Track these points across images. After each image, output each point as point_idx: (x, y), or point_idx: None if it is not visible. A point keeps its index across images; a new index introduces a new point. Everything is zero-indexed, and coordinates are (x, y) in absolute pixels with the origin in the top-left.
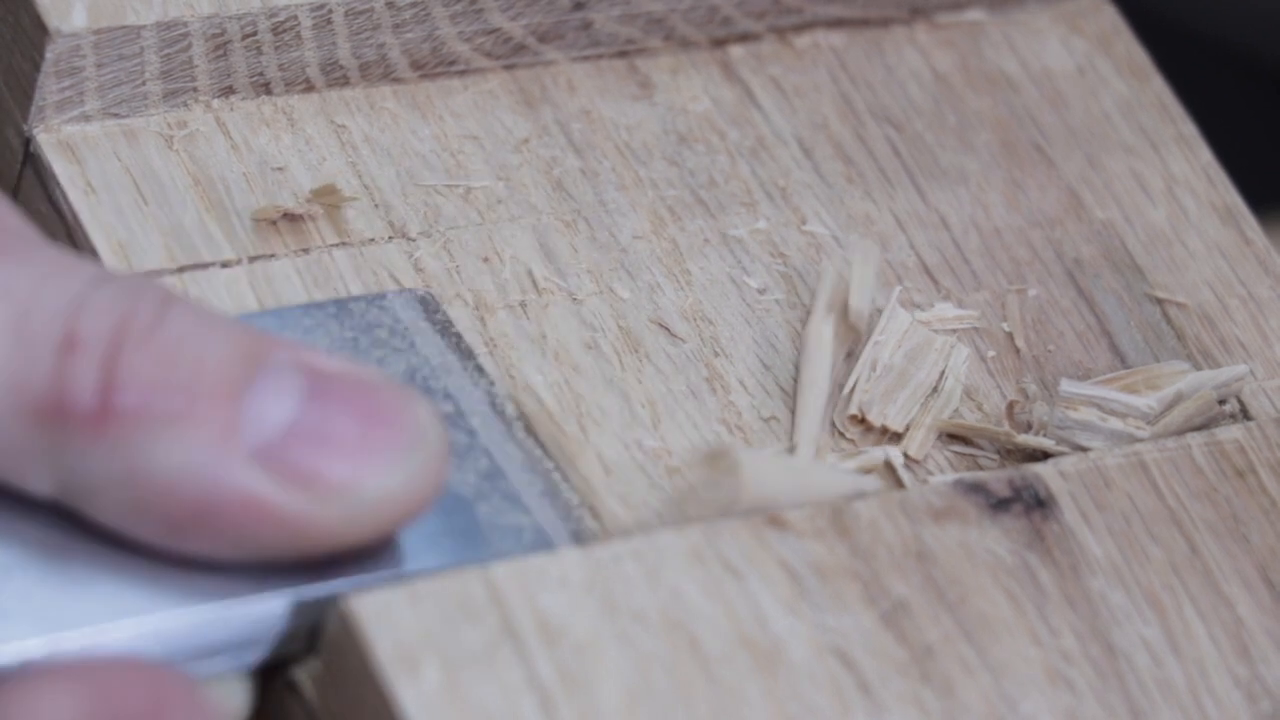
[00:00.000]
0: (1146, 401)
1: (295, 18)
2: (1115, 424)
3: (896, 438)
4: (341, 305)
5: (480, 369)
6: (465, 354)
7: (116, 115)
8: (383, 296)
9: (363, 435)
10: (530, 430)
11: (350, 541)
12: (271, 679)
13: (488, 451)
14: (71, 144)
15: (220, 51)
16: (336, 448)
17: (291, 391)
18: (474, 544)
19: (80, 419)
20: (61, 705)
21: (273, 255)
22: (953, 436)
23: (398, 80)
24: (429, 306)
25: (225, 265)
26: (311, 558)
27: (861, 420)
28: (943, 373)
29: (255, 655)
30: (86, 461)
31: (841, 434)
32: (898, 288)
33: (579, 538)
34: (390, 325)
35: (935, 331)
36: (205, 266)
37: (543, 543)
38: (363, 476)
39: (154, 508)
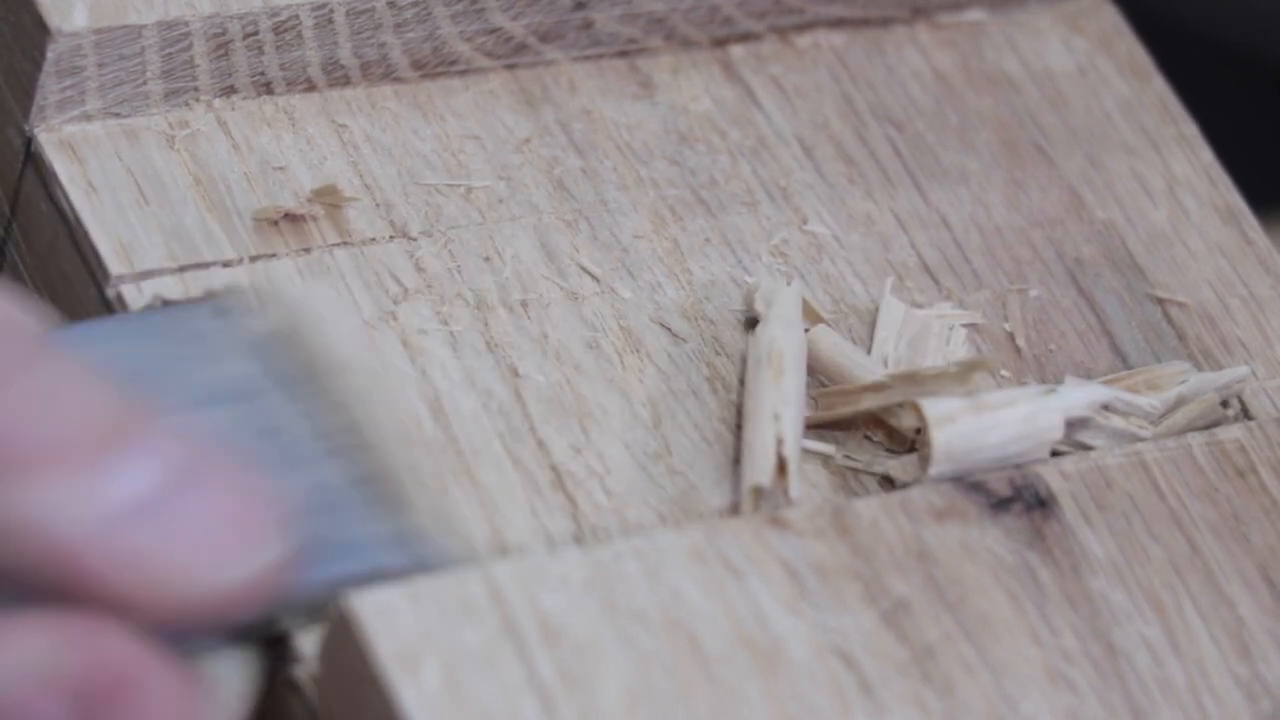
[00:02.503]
0: (1150, 401)
1: (297, 17)
2: (1118, 423)
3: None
4: (150, 318)
5: (307, 380)
6: (282, 364)
7: (118, 115)
8: (200, 305)
9: (211, 530)
10: (366, 450)
11: (181, 624)
12: (281, 662)
13: (308, 468)
14: (72, 143)
15: (221, 51)
16: (183, 535)
17: (150, 470)
18: (309, 562)
19: None
20: (32, 647)
21: (274, 255)
22: None
23: (399, 80)
24: (247, 312)
25: (226, 265)
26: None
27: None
28: (945, 361)
29: None
30: None
31: (868, 438)
32: (890, 278)
33: (417, 558)
34: (204, 335)
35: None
36: (206, 266)
37: (373, 561)
38: (203, 569)
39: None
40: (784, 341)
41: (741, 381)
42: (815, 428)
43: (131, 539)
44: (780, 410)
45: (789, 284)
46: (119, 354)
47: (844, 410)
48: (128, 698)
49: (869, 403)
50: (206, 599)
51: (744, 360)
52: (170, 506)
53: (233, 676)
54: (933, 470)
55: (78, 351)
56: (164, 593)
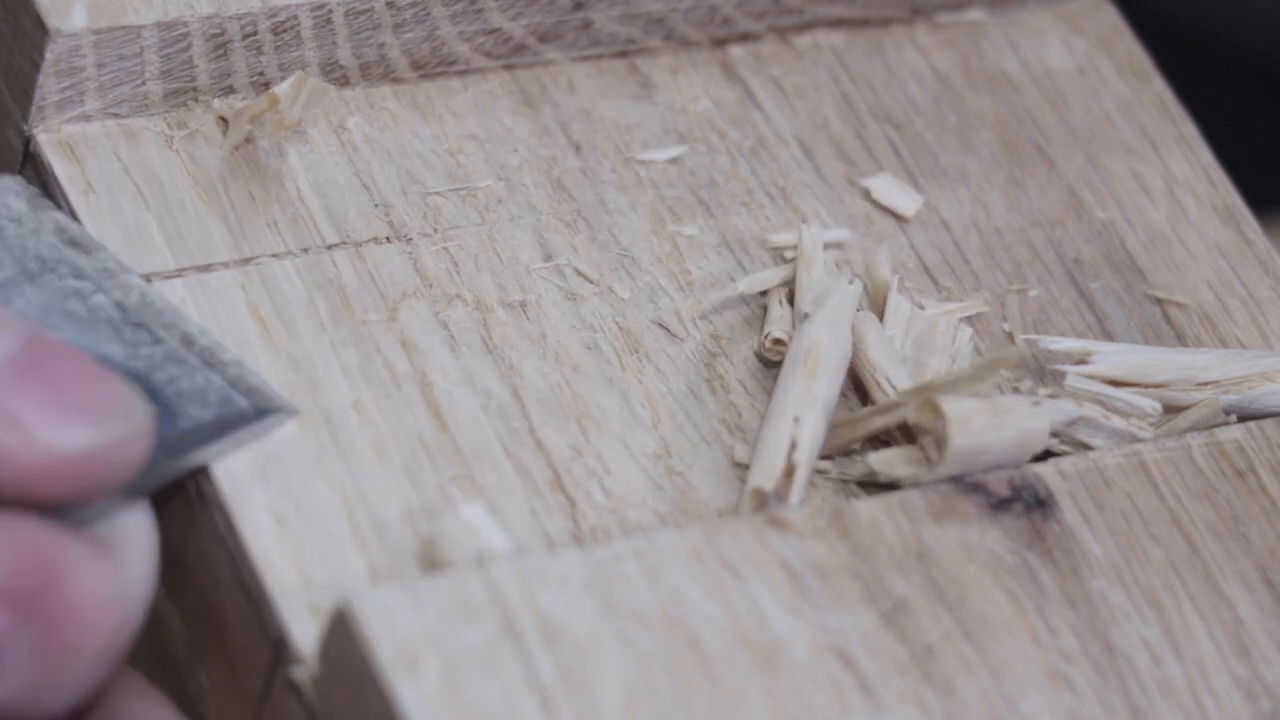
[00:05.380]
0: (1150, 402)
1: (295, 17)
2: (1118, 423)
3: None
4: None
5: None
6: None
7: (116, 115)
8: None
9: (67, 393)
10: (176, 314)
11: (43, 491)
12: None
13: (147, 328)
14: (71, 144)
15: (220, 51)
16: (40, 396)
17: (9, 340)
18: (166, 414)
19: None
20: None
21: (274, 255)
22: None
23: (398, 80)
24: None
25: (225, 266)
26: None
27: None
28: (953, 359)
29: None
30: None
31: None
32: (895, 276)
33: (258, 403)
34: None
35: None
36: (205, 268)
37: (227, 403)
38: (62, 426)
39: None
40: (826, 343)
41: (741, 382)
42: (826, 458)
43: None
44: (803, 413)
45: (850, 283)
46: None
47: (854, 437)
48: (56, 582)
49: (880, 423)
50: (79, 460)
51: (755, 354)
52: (27, 369)
53: (134, 536)
54: (941, 471)
55: None
56: (22, 448)
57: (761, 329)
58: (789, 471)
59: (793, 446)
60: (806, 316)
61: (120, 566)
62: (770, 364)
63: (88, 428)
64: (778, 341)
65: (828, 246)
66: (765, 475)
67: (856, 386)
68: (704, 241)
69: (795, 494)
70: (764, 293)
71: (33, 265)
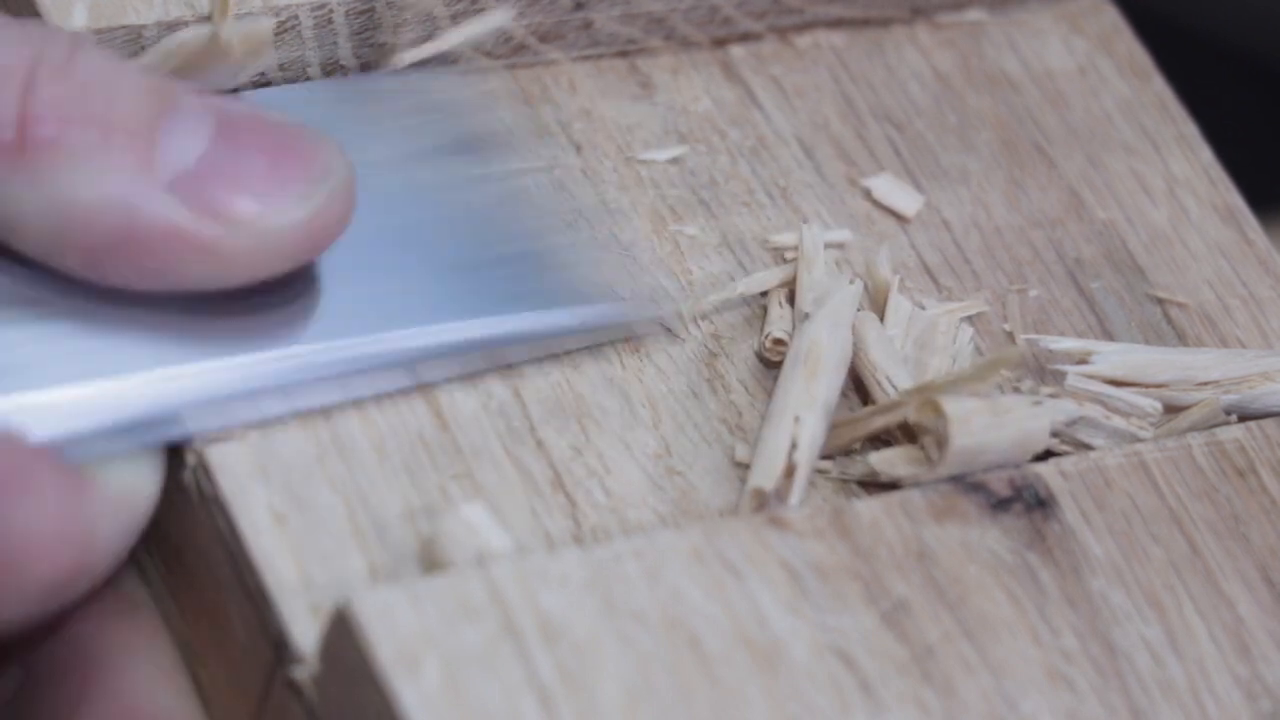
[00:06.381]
0: (1151, 402)
1: (296, 17)
2: (1119, 423)
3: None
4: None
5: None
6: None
7: None
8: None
9: (270, 170)
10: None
11: (262, 272)
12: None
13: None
14: None
15: None
16: (246, 181)
17: (202, 130)
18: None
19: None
20: None
21: None
22: None
23: None
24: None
25: None
26: (225, 287)
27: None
28: (953, 359)
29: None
30: (8, 192)
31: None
32: (896, 276)
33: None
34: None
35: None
36: None
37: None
38: (270, 207)
39: (74, 237)
40: (826, 343)
41: (742, 382)
42: (826, 458)
43: (206, 192)
44: (803, 413)
45: (851, 282)
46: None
47: (855, 436)
48: (8, 498)
49: (880, 423)
50: (290, 235)
51: (755, 355)
52: (227, 155)
53: (131, 482)
54: (941, 471)
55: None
56: (251, 236)
57: (762, 329)
58: (789, 471)
59: (793, 446)
60: (807, 316)
61: (89, 509)
62: (771, 364)
63: (293, 202)
64: (778, 341)
65: (828, 246)
66: (765, 475)
67: (857, 386)
68: (705, 241)
69: (795, 494)
70: (764, 293)
71: None
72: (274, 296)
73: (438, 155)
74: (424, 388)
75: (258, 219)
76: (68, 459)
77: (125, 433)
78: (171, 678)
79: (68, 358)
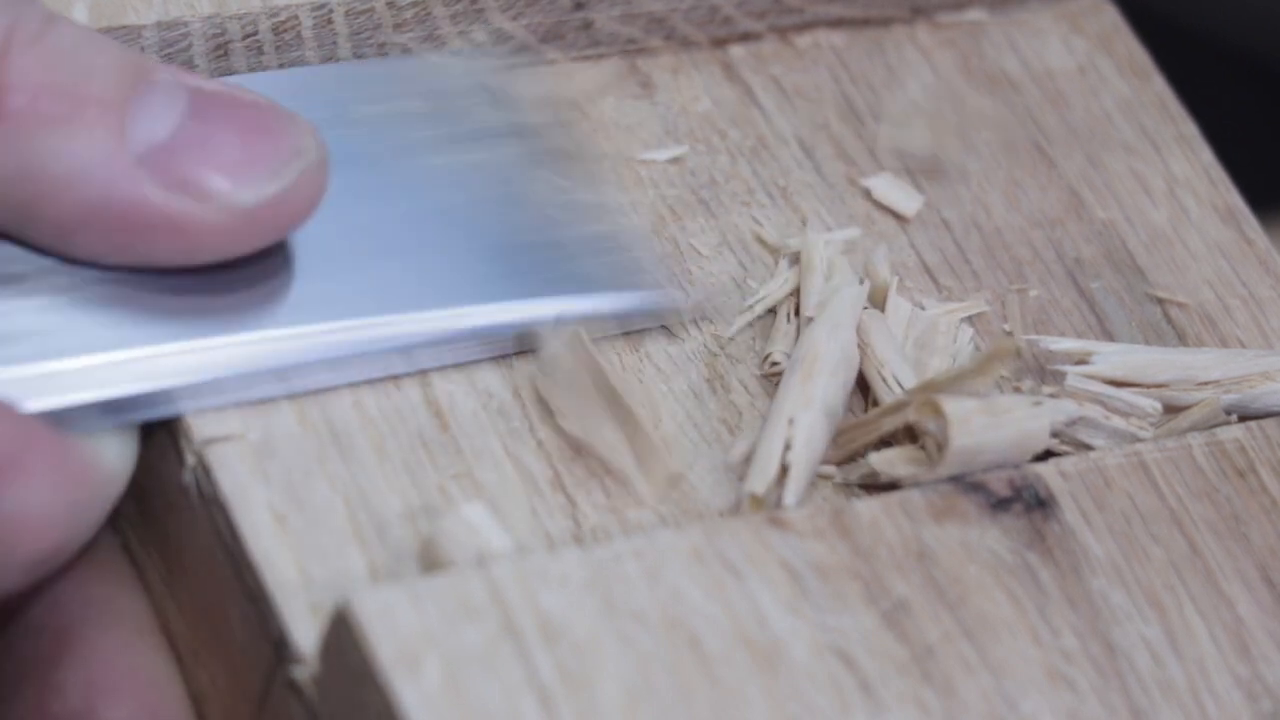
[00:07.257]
0: (1151, 402)
1: (296, 18)
2: (1118, 423)
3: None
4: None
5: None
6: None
7: None
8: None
9: (242, 148)
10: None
11: (230, 249)
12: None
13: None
14: None
15: (221, 52)
16: (216, 158)
17: (175, 106)
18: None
19: None
20: None
21: None
22: None
23: None
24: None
25: None
26: (194, 263)
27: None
28: (954, 359)
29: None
30: None
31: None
32: (896, 276)
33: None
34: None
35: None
36: None
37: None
38: (240, 185)
39: (44, 209)
40: (822, 344)
41: (742, 382)
42: (836, 464)
43: (177, 167)
44: (797, 414)
45: (861, 283)
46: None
47: (865, 442)
48: (7, 479)
49: (889, 425)
50: (261, 212)
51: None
52: (199, 131)
53: (114, 457)
54: (941, 471)
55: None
56: (222, 213)
57: (767, 336)
58: (782, 474)
59: (786, 448)
60: (810, 321)
61: (80, 490)
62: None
63: (264, 180)
64: (776, 363)
65: (834, 244)
66: (759, 480)
67: (864, 389)
68: (705, 241)
69: (790, 496)
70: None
71: None
72: (281, 276)
73: (473, 140)
74: (424, 388)
75: (227, 196)
76: (62, 434)
77: (118, 409)
78: (146, 637)
79: (60, 331)
